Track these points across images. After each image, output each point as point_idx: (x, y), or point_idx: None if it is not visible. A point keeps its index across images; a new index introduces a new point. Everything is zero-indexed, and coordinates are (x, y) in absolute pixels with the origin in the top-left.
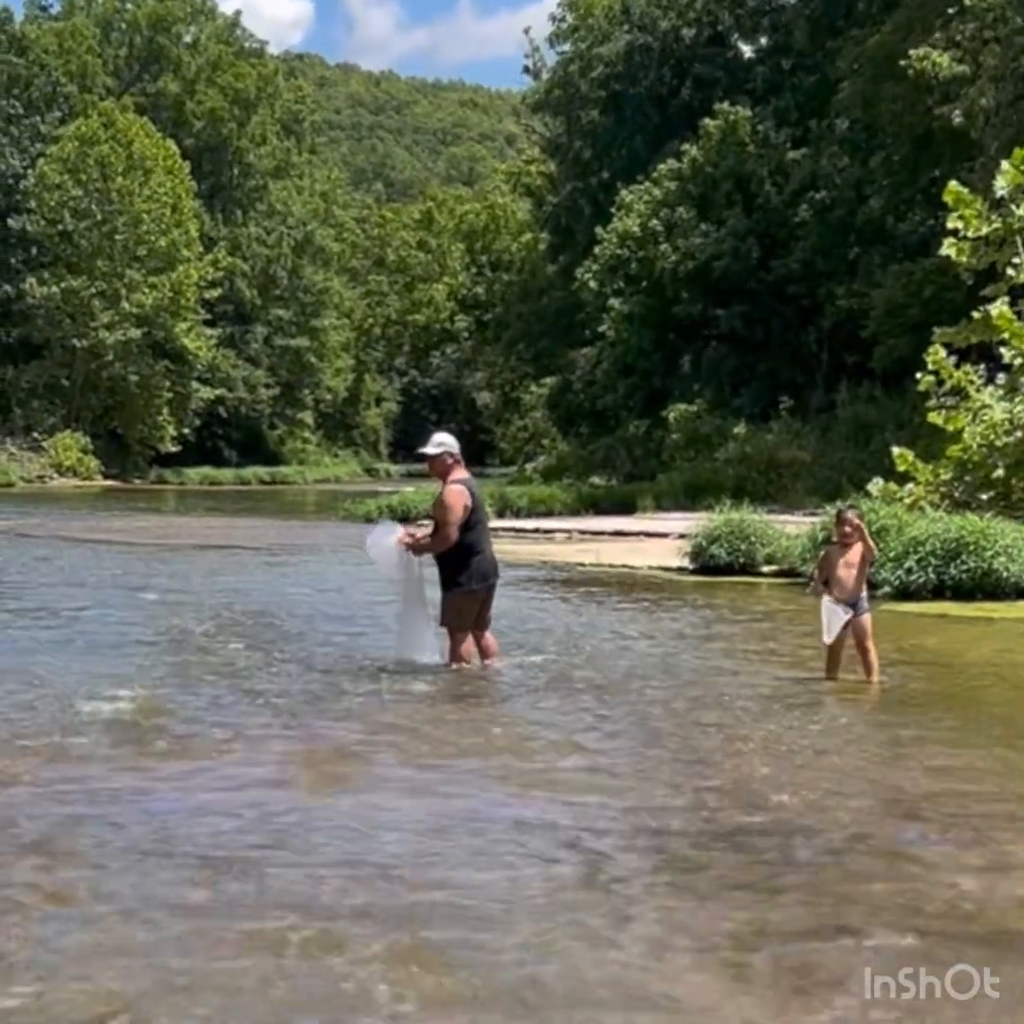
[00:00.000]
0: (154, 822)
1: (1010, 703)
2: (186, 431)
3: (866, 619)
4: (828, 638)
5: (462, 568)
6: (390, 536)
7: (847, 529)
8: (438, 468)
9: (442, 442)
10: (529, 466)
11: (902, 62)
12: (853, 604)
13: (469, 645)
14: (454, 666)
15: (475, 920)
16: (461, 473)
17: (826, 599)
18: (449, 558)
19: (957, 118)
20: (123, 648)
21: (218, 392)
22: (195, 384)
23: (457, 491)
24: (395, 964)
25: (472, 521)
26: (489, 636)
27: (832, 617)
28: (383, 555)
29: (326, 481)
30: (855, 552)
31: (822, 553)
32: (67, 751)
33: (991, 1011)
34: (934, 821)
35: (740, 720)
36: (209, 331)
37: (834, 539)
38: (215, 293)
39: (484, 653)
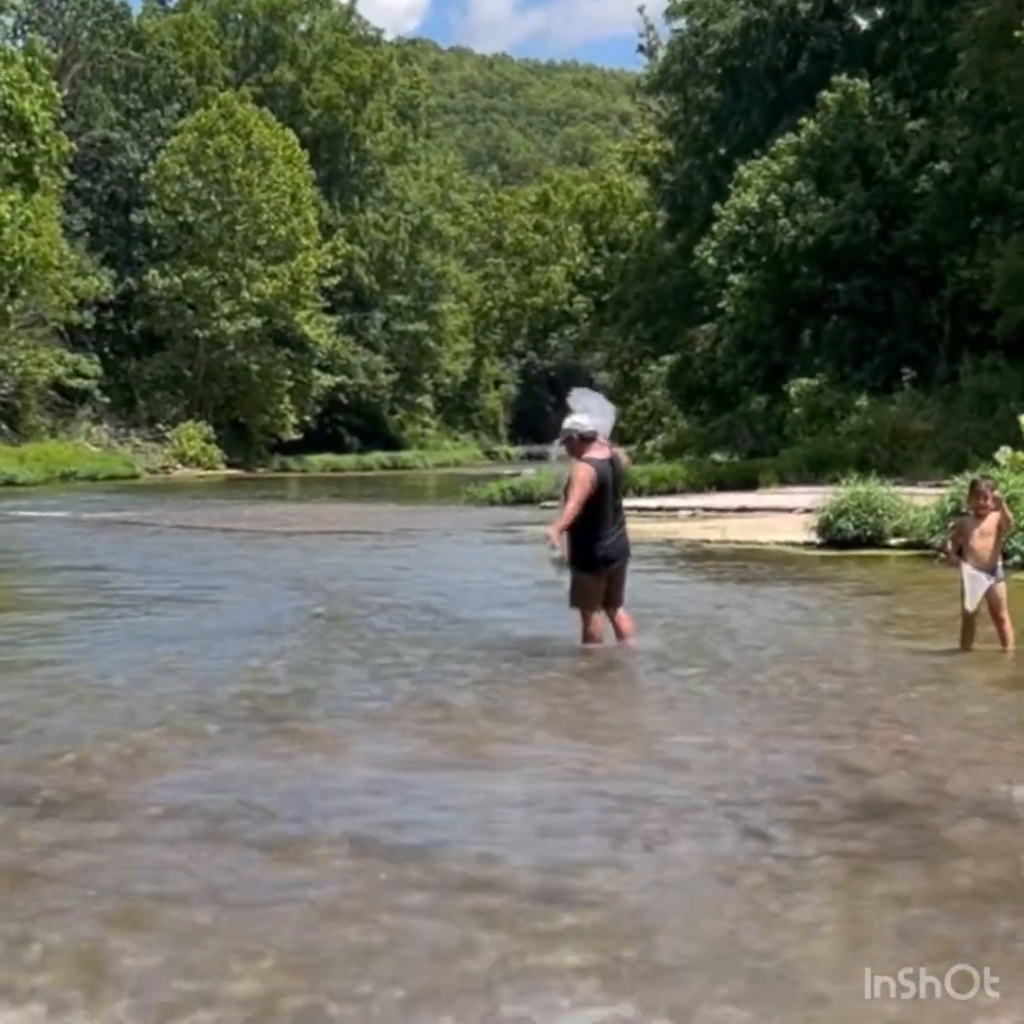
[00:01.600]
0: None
1: None
2: (307, 419)
3: (1001, 588)
4: (971, 605)
5: (587, 548)
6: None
7: (982, 499)
8: (570, 449)
9: (571, 425)
10: (649, 444)
11: (1016, 32)
12: (990, 573)
13: (599, 625)
14: (586, 647)
15: (631, 896)
16: (594, 452)
17: (966, 566)
18: (575, 538)
19: None
20: (275, 631)
21: (338, 379)
22: (315, 372)
23: (582, 469)
24: (566, 941)
25: (599, 501)
26: (623, 614)
27: (975, 583)
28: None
29: (446, 465)
30: (990, 522)
31: (955, 524)
32: (213, 735)
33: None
34: None
35: (877, 693)
36: (328, 318)
37: (966, 510)
38: (334, 281)
39: (619, 633)
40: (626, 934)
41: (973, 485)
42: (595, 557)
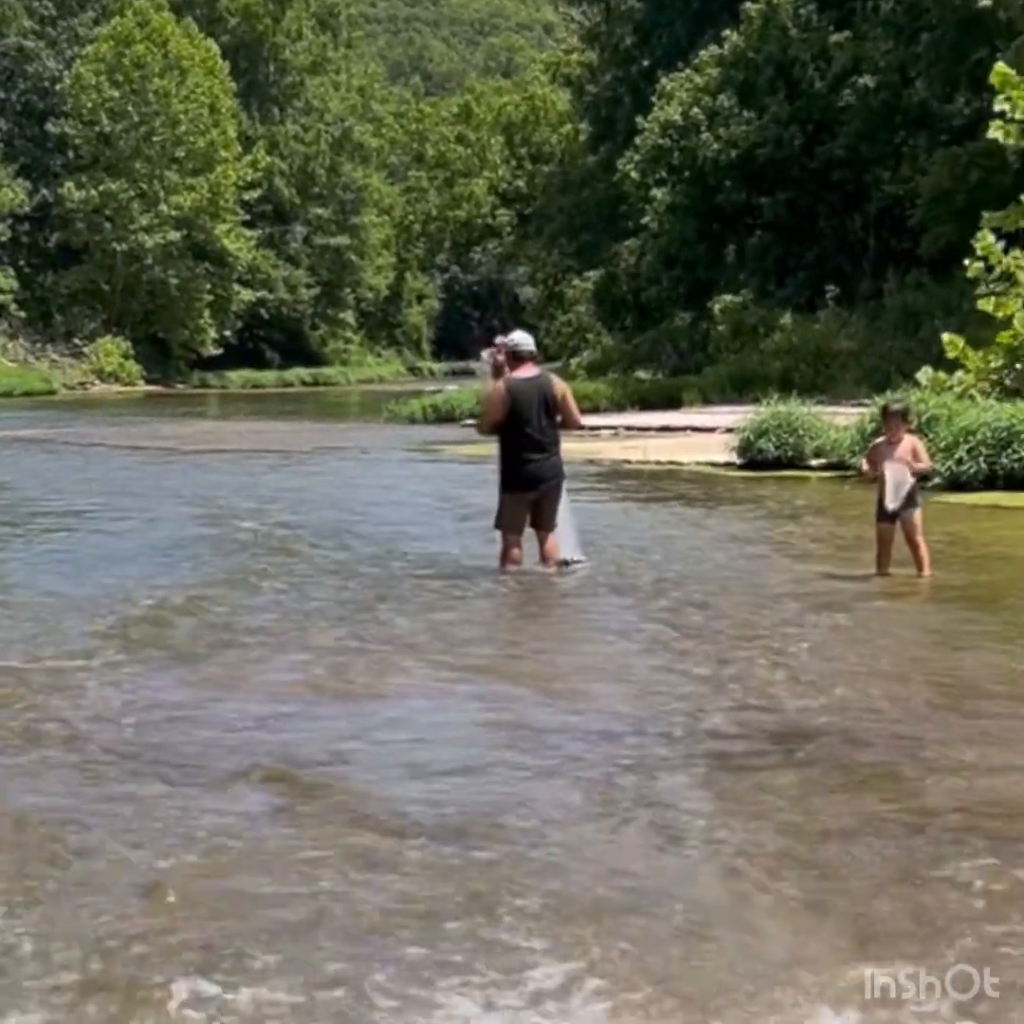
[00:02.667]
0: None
1: None
2: (227, 334)
3: (917, 515)
4: (892, 503)
5: (507, 470)
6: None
7: (895, 424)
8: (501, 364)
9: (510, 338)
10: (574, 362)
11: None
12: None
13: (516, 548)
14: (503, 570)
15: (517, 832)
16: (520, 371)
17: (890, 463)
18: (501, 458)
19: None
20: (177, 555)
21: (259, 294)
22: (235, 286)
23: (494, 389)
24: (447, 878)
25: (518, 421)
26: (551, 539)
27: (898, 483)
28: None
29: (369, 381)
30: (905, 447)
31: (871, 446)
32: (120, 660)
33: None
34: (985, 718)
35: (786, 618)
36: (248, 232)
37: (882, 435)
38: (254, 194)
39: (545, 556)
40: (522, 869)
41: (884, 410)
42: (516, 478)
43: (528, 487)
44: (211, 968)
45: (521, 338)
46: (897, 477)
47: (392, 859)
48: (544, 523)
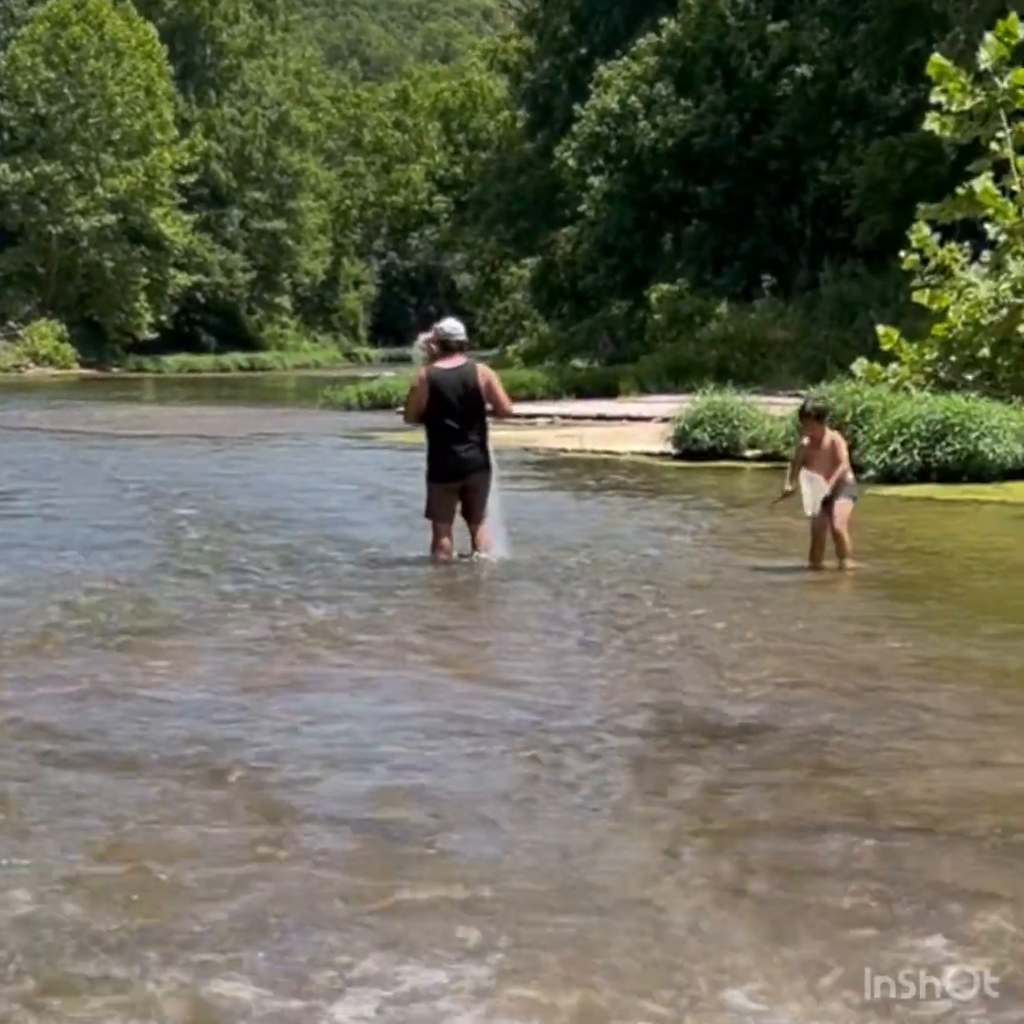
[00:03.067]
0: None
1: (995, 589)
2: (163, 318)
3: (842, 504)
4: (809, 510)
5: (432, 460)
6: None
7: (813, 424)
8: (433, 352)
9: (440, 327)
10: (510, 348)
11: None
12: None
13: (444, 537)
14: (432, 558)
15: (432, 822)
16: (444, 361)
17: (804, 472)
18: (427, 449)
19: None
20: (106, 541)
21: (195, 278)
22: (171, 270)
23: (416, 379)
24: (353, 866)
25: (441, 412)
26: (483, 529)
27: (813, 489)
28: None
29: (305, 366)
30: (826, 446)
31: (796, 447)
32: (50, 646)
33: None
34: (909, 711)
35: (714, 609)
36: (184, 216)
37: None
38: (191, 178)
39: (476, 546)
40: (435, 860)
41: (801, 411)
42: (441, 468)
43: (453, 477)
44: (125, 957)
45: (450, 327)
46: (811, 488)
47: (310, 848)
48: (474, 514)
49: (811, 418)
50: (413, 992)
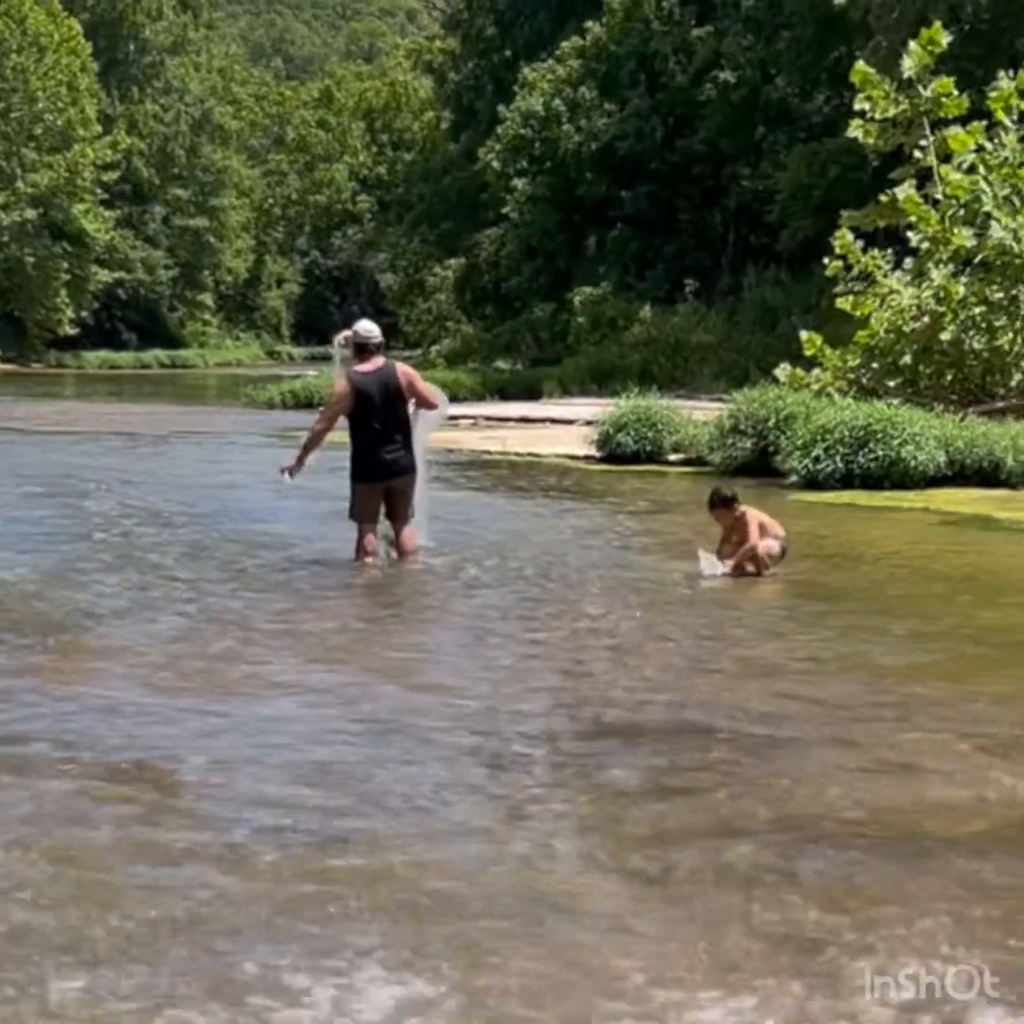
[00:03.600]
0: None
1: (917, 595)
2: (84, 314)
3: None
4: (708, 574)
5: (357, 461)
6: None
7: (720, 516)
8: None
9: (356, 330)
10: (434, 350)
11: None
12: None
13: (370, 539)
14: (356, 562)
15: (352, 831)
16: (363, 364)
17: (706, 557)
18: (351, 450)
19: (838, 0)
20: (17, 538)
21: (116, 274)
22: (93, 266)
23: (337, 384)
24: (287, 880)
25: (364, 414)
26: (407, 531)
27: (711, 566)
28: None
29: (228, 365)
30: (738, 529)
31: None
32: None
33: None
34: (828, 717)
35: (633, 613)
36: (106, 212)
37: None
38: (113, 175)
39: (400, 550)
40: (360, 870)
41: (709, 504)
42: (365, 469)
43: (377, 477)
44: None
45: (366, 330)
46: (708, 564)
47: (228, 857)
48: (399, 514)
49: (717, 508)
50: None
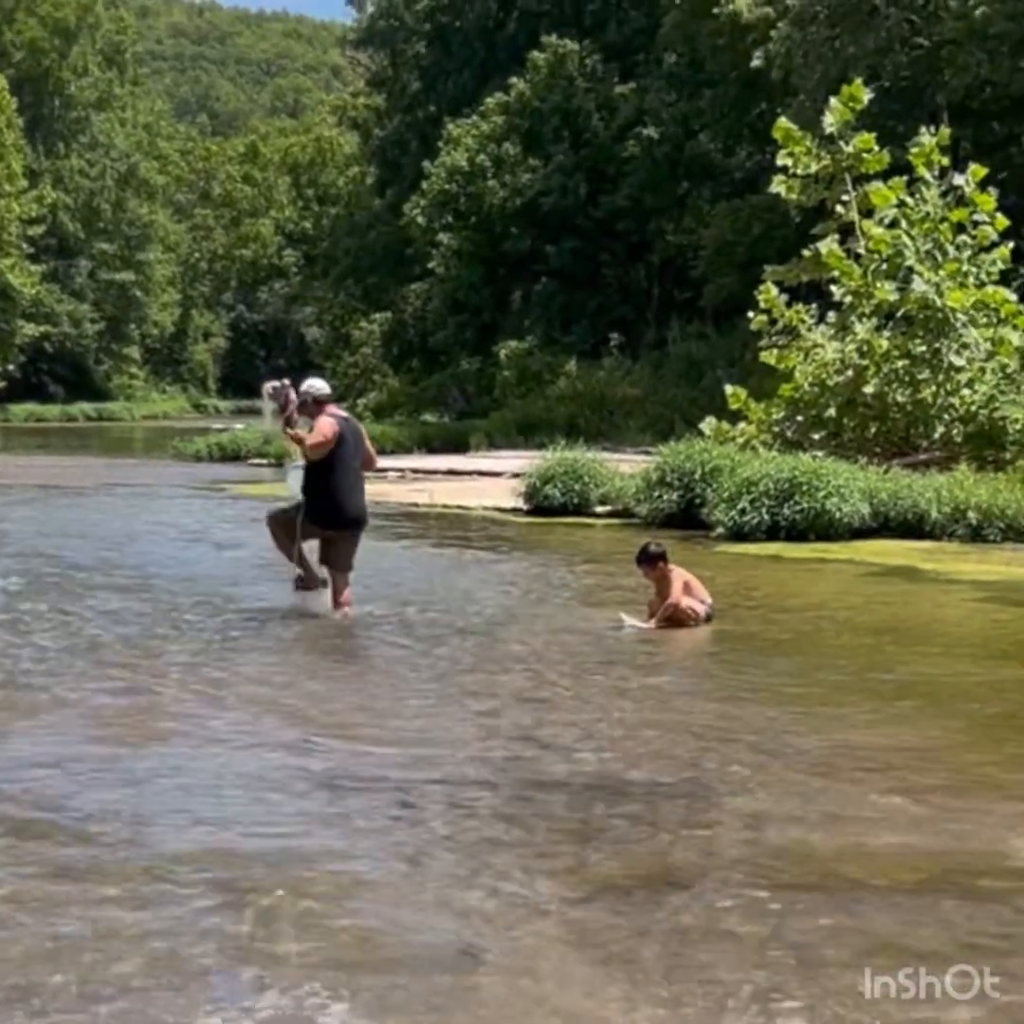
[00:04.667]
0: None
1: (843, 646)
2: (10, 368)
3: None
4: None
5: (324, 507)
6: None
7: (649, 572)
8: (306, 412)
9: (308, 387)
10: (360, 403)
11: (714, 9)
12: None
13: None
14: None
15: (285, 879)
16: (332, 408)
17: (629, 620)
18: (318, 495)
19: (757, 60)
20: None
21: (42, 328)
22: (19, 320)
23: (326, 421)
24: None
25: (340, 456)
26: (347, 586)
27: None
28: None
29: (154, 417)
30: (676, 590)
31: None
32: None
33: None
34: (759, 768)
35: (563, 667)
36: (32, 266)
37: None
38: (39, 229)
39: (336, 597)
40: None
41: (637, 561)
42: (335, 515)
43: (348, 525)
44: None
45: (319, 387)
46: (629, 623)
47: (157, 906)
48: (342, 564)
49: (643, 563)
50: None
